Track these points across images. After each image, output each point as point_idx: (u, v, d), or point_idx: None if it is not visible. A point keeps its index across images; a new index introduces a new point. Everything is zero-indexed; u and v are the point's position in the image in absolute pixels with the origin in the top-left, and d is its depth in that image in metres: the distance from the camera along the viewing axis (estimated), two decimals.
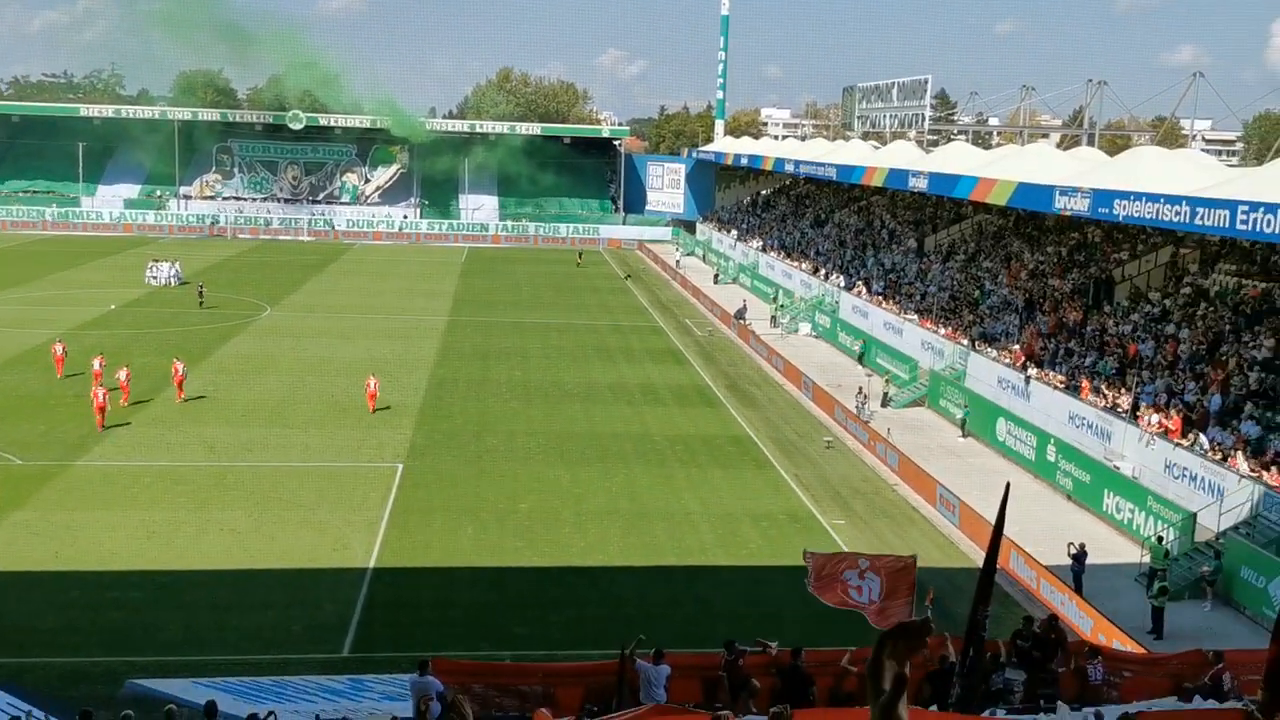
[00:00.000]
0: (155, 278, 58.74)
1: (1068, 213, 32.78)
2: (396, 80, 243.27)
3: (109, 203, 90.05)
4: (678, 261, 77.77)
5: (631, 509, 26.77)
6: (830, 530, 25.86)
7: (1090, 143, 54.94)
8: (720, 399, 38.84)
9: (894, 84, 66.82)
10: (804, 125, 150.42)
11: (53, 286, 57.40)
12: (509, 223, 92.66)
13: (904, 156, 53.12)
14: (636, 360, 44.80)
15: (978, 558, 22.45)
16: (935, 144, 63.45)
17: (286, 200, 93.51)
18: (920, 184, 45.11)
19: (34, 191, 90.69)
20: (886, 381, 39.90)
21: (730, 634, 16.00)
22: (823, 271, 56.73)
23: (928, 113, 64.16)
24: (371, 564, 22.82)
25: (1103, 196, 29.69)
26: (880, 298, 47.69)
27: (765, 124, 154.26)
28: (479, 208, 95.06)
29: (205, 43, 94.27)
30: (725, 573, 23.43)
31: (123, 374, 34.38)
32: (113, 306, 51.34)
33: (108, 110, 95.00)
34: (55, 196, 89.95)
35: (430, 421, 33.90)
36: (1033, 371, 33.24)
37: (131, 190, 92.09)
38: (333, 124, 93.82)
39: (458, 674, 14.69)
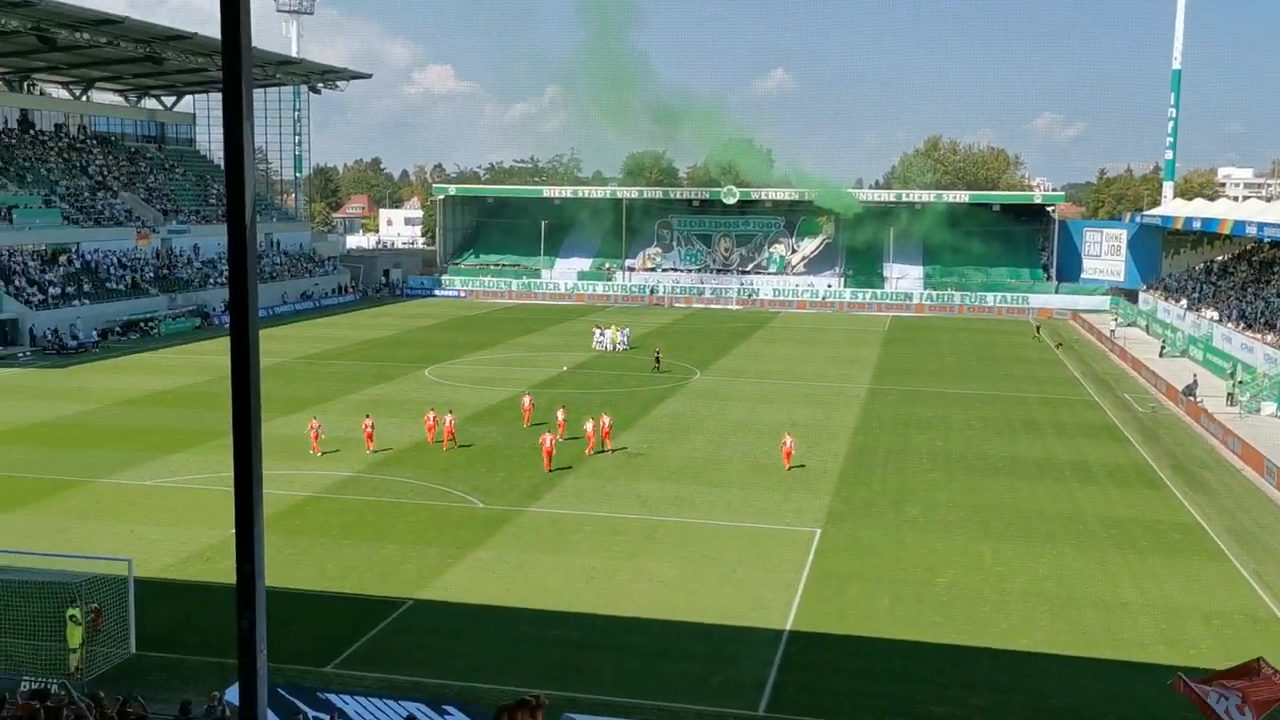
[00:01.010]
0: (600, 343, 63.82)
1: None
2: (824, 153, 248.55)
3: (564, 274, 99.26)
4: (1112, 331, 72.68)
5: (1060, 593, 25.21)
6: None
7: None
8: (1164, 481, 35.66)
9: None
10: (1270, 184, 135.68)
11: (515, 349, 64.10)
12: (933, 291, 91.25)
13: None
14: (1068, 435, 42.26)
15: None
16: None
17: (718, 270, 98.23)
18: None
19: (503, 265, 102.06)
20: None
21: None
22: None
23: None
24: (788, 626, 23.17)
25: None
26: None
27: (1223, 184, 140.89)
28: (903, 276, 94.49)
29: (641, 126, 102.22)
30: (1170, 673, 21.29)
31: (589, 425, 38.40)
32: (565, 368, 56.38)
33: (566, 191, 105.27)
34: (520, 269, 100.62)
35: (849, 488, 33.99)
36: None
37: (584, 263, 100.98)
38: (763, 198, 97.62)
39: None
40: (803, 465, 36.07)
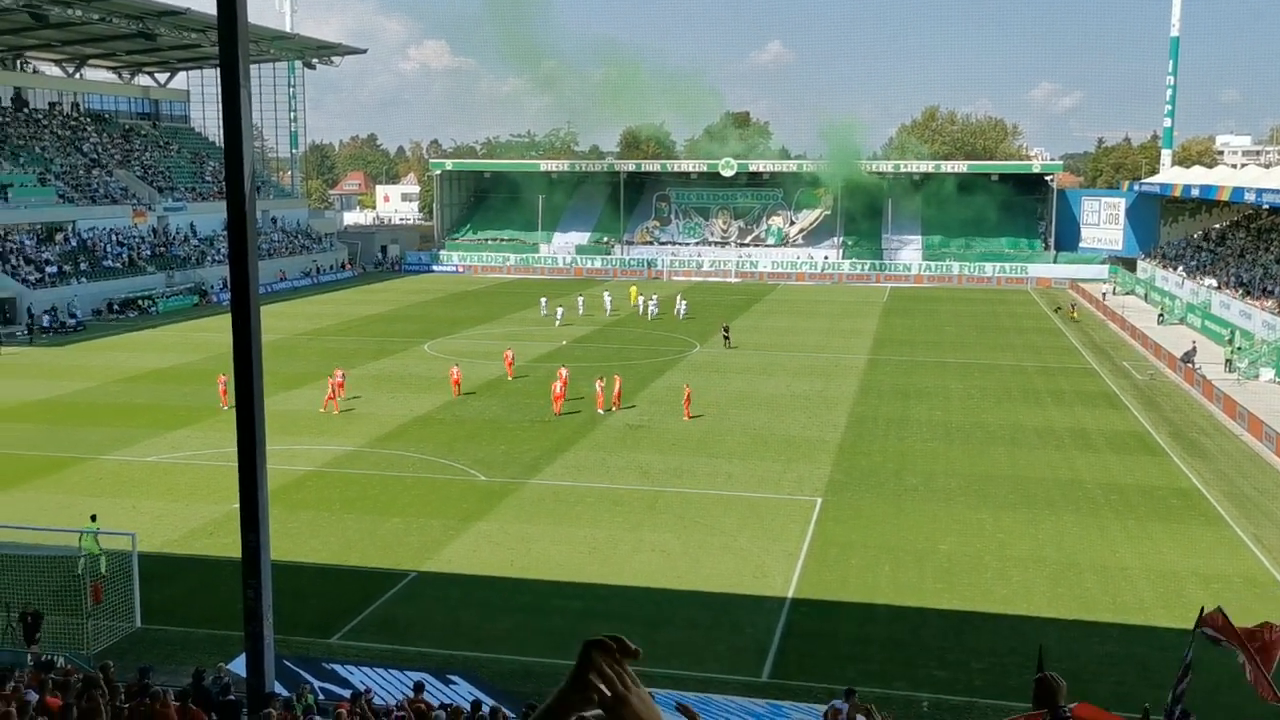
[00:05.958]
0: (552, 316, 63.99)
1: None
2: (821, 125, 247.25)
3: (563, 248, 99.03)
4: (1104, 295, 72.68)
5: (1059, 558, 25.36)
6: None
7: None
8: (1162, 447, 35.79)
9: None
10: (1269, 151, 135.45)
11: (515, 323, 64.07)
12: (932, 262, 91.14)
13: None
14: (1066, 403, 42.36)
15: None
16: None
17: (717, 244, 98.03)
18: None
19: (501, 239, 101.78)
20: None
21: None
22: None
23: None
24: (790, 594, 23.31)
25: None
26: None
27: (1221, 152, 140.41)
28: (902, 247, 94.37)
29: (636, 102, 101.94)
30: (1169, 635, 21.47)
31: (599, 384, 40.23)
32: (565, 342, 56.39)
33: (564, 165, 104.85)
34: (518, 244, 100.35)
35: (849, 458, 34.09)
36: None
37: (582, 237, 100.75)
38: (761, 170, 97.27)
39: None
40: (701, 415, 38.35)
